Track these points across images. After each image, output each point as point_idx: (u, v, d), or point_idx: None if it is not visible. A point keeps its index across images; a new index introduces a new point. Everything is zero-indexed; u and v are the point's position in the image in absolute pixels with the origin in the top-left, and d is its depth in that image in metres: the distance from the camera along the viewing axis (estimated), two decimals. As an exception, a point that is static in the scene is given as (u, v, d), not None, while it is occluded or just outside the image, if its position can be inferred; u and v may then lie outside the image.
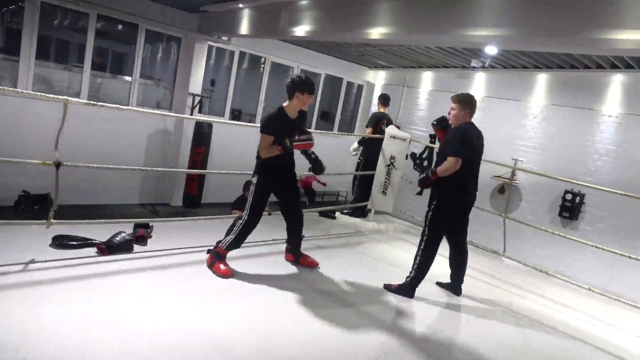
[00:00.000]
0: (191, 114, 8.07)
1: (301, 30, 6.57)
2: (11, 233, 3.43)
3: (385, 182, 5.62)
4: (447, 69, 9.71)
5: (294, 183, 3.94)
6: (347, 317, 3.27)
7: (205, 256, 3.73)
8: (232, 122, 8.95)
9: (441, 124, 4.12)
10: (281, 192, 3.87)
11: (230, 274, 3.53)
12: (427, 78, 10.17)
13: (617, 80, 7.59)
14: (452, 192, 3.77)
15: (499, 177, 8.55)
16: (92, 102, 3.71)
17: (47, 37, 7.38)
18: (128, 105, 7.63)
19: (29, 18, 6.57)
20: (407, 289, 3.79)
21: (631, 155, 7.38)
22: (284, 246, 4.31)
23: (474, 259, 5.23)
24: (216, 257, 3.61)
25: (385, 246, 5.19)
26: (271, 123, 3.60)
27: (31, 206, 6.48)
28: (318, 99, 10.57)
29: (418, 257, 3.81)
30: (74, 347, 2.33)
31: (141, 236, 3.75)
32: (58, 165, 3.27)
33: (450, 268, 4.10)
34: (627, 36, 3.67)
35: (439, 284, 4.19)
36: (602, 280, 6.86)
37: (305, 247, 4.58)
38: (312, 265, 4.07)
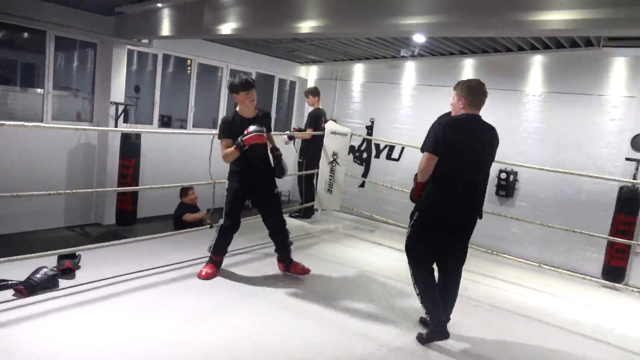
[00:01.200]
0: (115, 125, 7.51)
1: (227, 28, 6.27)
2: None
3: (330, 179, 5.50)
4: (378, 60, 9.76)
5: (268, 190, 3.84)
6: (308, 327, 3.10)
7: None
8: (160, 130, 8.47)
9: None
10: (254, 199, 3.93)
11: (205, 276, 3.69)
12: (358, 70, 10.17)
13: (537, 61, 7.94)
14: (428, 203, 3.04)
15: (437, 162, 8.70)
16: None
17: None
18: (43, 120, 6.97)
19: None
20: (437, 334, 3.10)
21: (555, 131, 7.77)
22: (234, 258, 4.11)
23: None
24: (208, 261, 3.82)
25: (337, 246, 5.07)
26: (224, 127, 3.68)
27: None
28: (251, 98, 10.26)
29: (417, 296, 3.13)
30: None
31: (67, 268, 3.34)
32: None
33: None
34: (551, 17, 3.76)
35: (422, 320, 3.34)
36: (540, 253, 7.18)
37: (254, 256, 4.38)
38: (304, 272, 3.94)
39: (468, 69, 8.70)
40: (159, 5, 6.72)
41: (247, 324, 3.09)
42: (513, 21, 4.23)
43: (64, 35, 7.16)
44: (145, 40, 7.83)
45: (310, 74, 11.01)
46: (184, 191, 6.54)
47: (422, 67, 9.30)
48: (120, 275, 3.50)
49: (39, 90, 7.25)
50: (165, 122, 9.08)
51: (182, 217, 6.39)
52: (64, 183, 7.20)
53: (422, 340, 3.09)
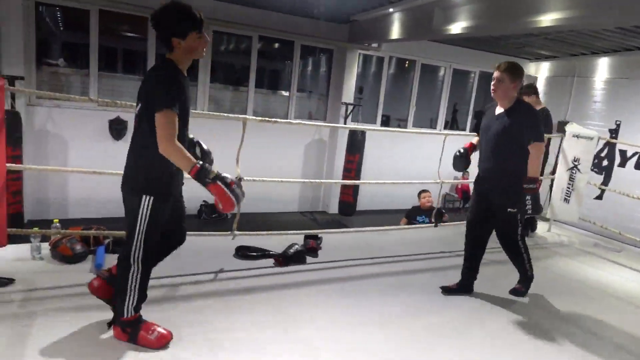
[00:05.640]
0: (345, 123, 8.22)
1: (457, 27, 6.20)
2: (200, 242, 3.74)
3: (568, 188, 4.93)
4: (630, 52, 8.31)
5: None
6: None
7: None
8: (385, 129, 8.91)
9: None
10: None
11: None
12: (603, 65, 8.84)
13: None
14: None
15: None
16: (266, 118, 3.92)
17: (218, 62, 8.17)
18: (288, 118, 8.10)
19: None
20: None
21: None
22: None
23: None
24: None
25: (573, 262, 4.53)
26: None
27: (210, 215, 7.21)
28: (472, 98, 9.96)
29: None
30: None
31: (312, 247, 3.82)
32: (239, 180, 3.50)
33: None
34: None
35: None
36: None
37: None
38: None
39: None
40: (390, 10, 7.07)
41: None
42: None
43: (308, 44, 8.16)
44: (374, 44, 8.33)
45: (540, 71, 10.07)
46: (420, 193, 6.35)
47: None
48: (353, 259, 3.83)
49: (284, 92, 8.44)
50: (384, 121, 9.51)
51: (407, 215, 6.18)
52: (300, 173, 8.22)
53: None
